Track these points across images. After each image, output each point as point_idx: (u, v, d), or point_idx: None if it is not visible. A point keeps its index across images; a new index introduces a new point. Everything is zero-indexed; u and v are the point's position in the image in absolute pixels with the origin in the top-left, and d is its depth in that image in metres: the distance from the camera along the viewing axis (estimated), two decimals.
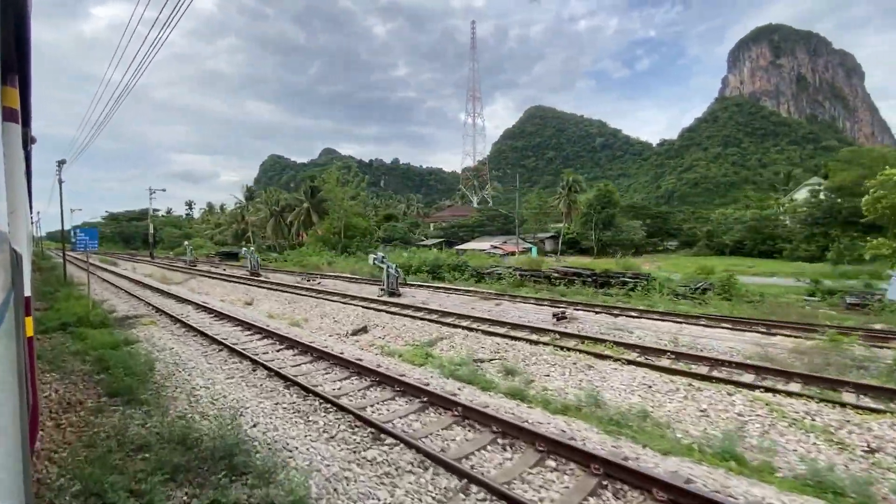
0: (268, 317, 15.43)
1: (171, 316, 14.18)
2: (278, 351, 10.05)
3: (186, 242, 44.59)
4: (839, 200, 53.95)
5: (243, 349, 9.85)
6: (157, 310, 15.62)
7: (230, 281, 26.38)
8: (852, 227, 51.63)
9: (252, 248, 32.13)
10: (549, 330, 11.75)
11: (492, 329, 12.05)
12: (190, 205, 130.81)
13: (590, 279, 22.46)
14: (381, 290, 19.83)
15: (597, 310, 15.27)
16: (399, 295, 19.63)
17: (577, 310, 15.29)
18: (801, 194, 71.96)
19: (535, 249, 66.87)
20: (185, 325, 12.76)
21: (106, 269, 35.09)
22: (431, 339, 11.23)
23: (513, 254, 60.69)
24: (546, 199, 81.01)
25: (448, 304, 17.23)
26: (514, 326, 12.35)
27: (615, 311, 14.93)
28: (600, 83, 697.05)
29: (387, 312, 14.37)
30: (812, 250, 52.74)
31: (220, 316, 14.30)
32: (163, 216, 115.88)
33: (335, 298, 18.36)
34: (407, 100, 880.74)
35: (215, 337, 10.97)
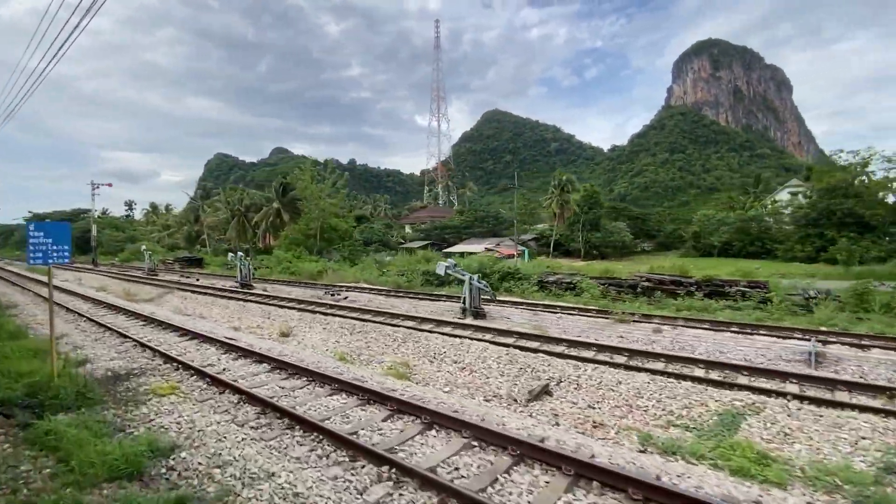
0: (339, 360, 9.99)
1: (193, 369, 8.42)
2: (510, 473, 4.83)
3: (143, 247, 36.68)
4: (833, 201, 54.07)
5: (430, 472, 4.62)
6: (161, 354, 9.67)
7: (223, 296, 20.13)
8: (846, 228, 51.65)
9: (241, 255, 25.71)
10: (866, 385, 7.29)
11: (770, 385, 7.44)
12: (130, 205, 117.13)
13: (693, 288, 18.41)
14: (463, 309, 14.67)
15: (799, 335, 11.04)
16: (485, 316, 14.58)
17: (774, 336, 11.04)
18: (782, 196, 73.04)
19: (527, 252, 63.40)
20: (235, 390, 7.17)
21: (43, 282, 27.21)
22: (716, 416, 6.42)
23: (511, 256, 56.82)
24: (531, 200, 77.95)
25: (575, 330, 12.44)
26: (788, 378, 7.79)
27: (831, 340, 10.78)
28: (551, 90, 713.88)
29: (559, 356, 9.24)
30: (808, 251, 52.32)
31: (274, 364, 8.70)
32: (99, 217, 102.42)
33: (409, 324, 13.03)
34: (360, 100, 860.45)
35: (332, 430, 5.58)
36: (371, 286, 24.19)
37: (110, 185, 48.76)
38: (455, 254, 52.92)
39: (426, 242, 67.09)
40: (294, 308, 16.26)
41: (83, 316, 14.82)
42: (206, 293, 21.55)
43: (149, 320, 14.08)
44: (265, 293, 21.37)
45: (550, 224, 72.53)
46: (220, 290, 23.04)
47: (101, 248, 78.31)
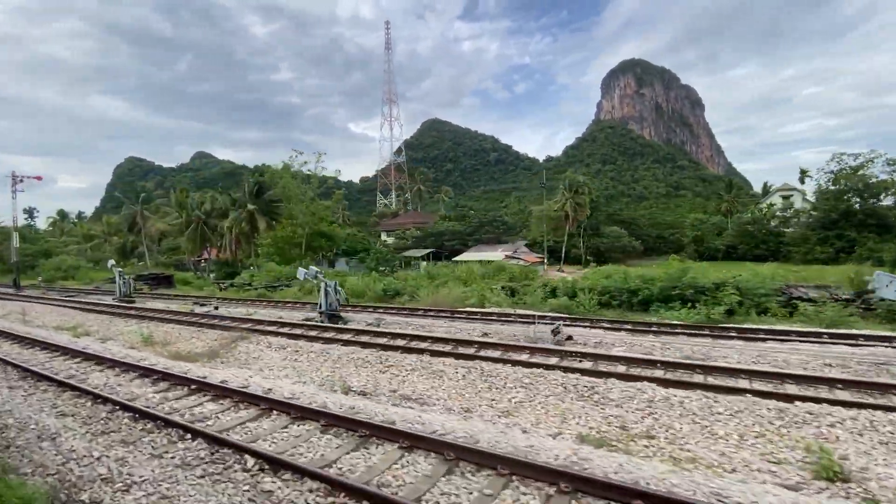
0: None
1: None
2: None
3: (111, 263, 24.79)
4: (851, 202, 54.21)
5: None
6: None
7: (350, 342, 11.56)
8: (866, 229, 51.47)
9: (316, 269, 16.74)
10: None
11: None
12: (31, 212, 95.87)
13: None
14: None
15: None
16: None
17: None
18: (775, 199, 73.83)
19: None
20: None
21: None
22: None
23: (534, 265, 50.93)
24: (527, 204, 72.45)
25: None
26: None
27: None
28: (484, 102, 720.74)
29: None
30: (828, 252, 51.53)
31: None
32: None
33: None
34: (290, 105, 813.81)
35: None
36: (517, 311, 16.46)
37: (40, 178, 35.51)
38: (469, 262, 45.61)
39: (429, 251, 58.94)
40: (604, 374, 8.37)
41: (199, 432, 5.97)
42: (299, 336, 12.68)
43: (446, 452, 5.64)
44: (392, 331, 12.97)
45: (540, 230, 67.69)
46: (302, 325, 14.21)
47: (1, 264, 61.45)
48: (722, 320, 14.09)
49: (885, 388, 7.21)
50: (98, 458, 5.47)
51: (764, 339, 11.61)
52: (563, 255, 60.99)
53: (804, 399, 6.80)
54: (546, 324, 12.80)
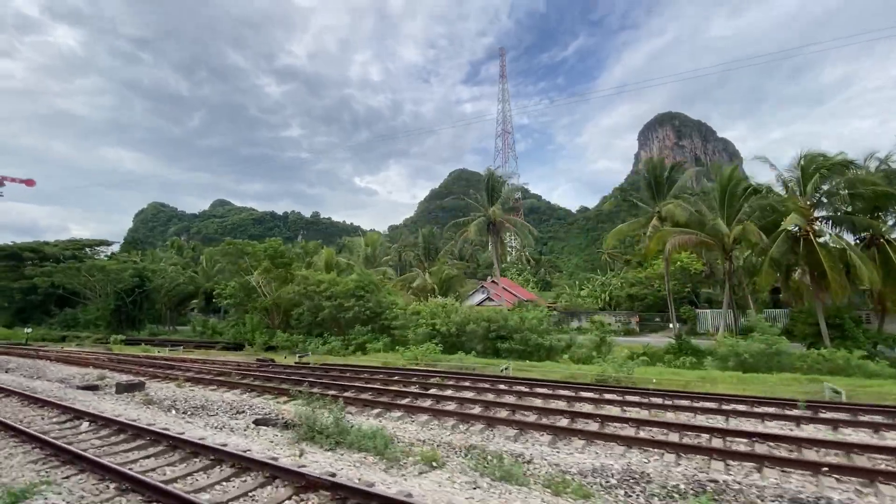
0: None
1: None
2: None
3: None
4: None
5: None
6: None
7: None
8: None
9: None
10: None
11: None
12: (138, 244, 66.88)
13: None
14: None
15: None
16: None
17: None
18: None
19: None
20: None
21: None
22: None
23: None
24: None
25: None
26: None
27: None
28: (485, 159, 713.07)
29: None
30: None
31: None
32: (111, 256, 52.68)
33: None
34: (297, 160, 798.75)
35: None
36: None
37: None
38: None
39: None
40: None
41: None
42: None
43: None
44: None
45: None
46: None
47: (189, 313, 32.88)
48: None
49: None
50: None
51: None
52: None
53: None
54: None
